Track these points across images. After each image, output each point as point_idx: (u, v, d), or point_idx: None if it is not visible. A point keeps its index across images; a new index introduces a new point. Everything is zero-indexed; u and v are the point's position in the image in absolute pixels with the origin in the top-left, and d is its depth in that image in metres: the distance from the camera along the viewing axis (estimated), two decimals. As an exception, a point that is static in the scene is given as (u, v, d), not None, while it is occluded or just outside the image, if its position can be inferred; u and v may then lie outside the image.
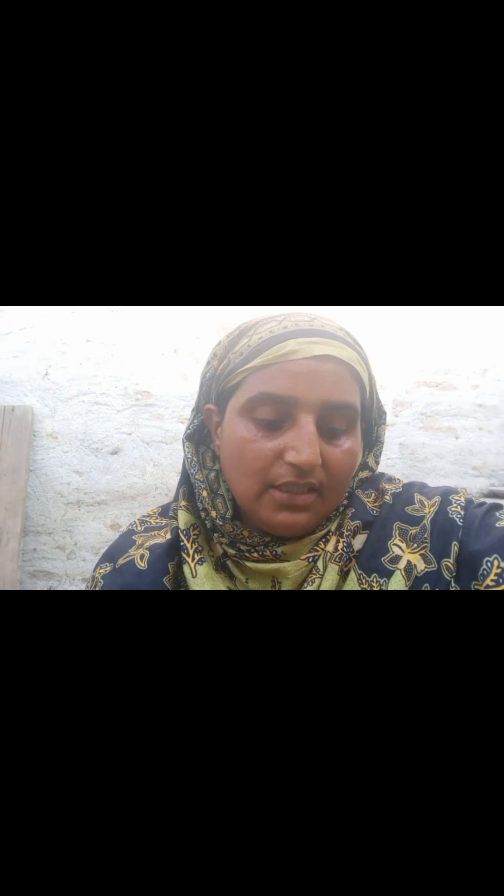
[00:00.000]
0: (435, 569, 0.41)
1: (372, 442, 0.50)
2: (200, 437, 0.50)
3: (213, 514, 0.45)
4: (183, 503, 0.47)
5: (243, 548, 0.43)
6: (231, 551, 0.44)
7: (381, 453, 0.49)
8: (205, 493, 0.46)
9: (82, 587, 1.72)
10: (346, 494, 0.46)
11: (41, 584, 1.74)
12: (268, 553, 0.43)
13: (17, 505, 1.66)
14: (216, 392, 0.46)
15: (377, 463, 0.49)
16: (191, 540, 0.46)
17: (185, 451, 0.49)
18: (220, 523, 0.44)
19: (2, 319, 1.79)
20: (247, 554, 0.43)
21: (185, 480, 0.49)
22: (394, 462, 1.90)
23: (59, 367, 1.78)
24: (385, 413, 0.49)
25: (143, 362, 1.81)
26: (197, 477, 0.47)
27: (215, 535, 0.46)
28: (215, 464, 0.49)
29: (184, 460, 0.49)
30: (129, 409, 1.80)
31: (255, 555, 0.43)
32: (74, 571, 1.74)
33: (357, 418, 0.42)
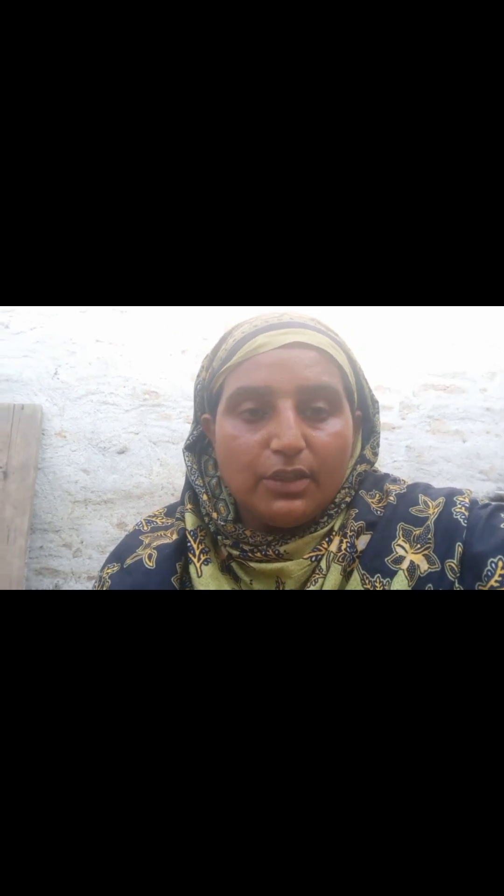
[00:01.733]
0: (438, 570, 0.41)
1: (368, 433, 0.50)
2: (202, 446, 0.51)
3: (215, 516, 0.45)
4: (189, 506, 0.48)
5: (246, 548, 0.44)
6: (235, 552, 0.45)
7: (378, 444, 0.49)
8: (205, 498, 0.46)
9: (88, 585, 1.72)
10: (348, 491, 0.46)
11: (47, 582, 1.75)
12: (270, 552, 0.43)
13: (25, 503, 1.67)
14: (207, 401, 0.47)
15: (375, 455, 0.49)
16: (197, 541, 0.46)
17: (185, 461, 0.50)
18: (222, 524, 0.45)
19: (12, 319, 1.80)
20: (250, 554, 0.44)
21: (189, 486, 0.50)
22: (400, 465, 1.89)
23: (68, 366, 1.80)
24: (377, 401, 0.49)
25: (152, 362, 1.82)
26: (197, 483, 0.48)
27: (219, 537, 0.46)
28: (217, 470, 0.49)
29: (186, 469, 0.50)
30: (136, 409, 1.81)
31: (259, 555, 0.43)
32: (80, 569, 1.75)
33: (340, 399, 0.42)
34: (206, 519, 0.47)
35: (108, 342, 1.82)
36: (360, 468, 0.48)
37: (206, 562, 0.45)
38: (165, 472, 1.79)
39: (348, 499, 0.46)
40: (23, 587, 1.64)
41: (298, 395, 0.40)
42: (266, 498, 0.41)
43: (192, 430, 0.51)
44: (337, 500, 0.45)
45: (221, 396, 0.44)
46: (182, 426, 1.81)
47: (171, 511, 0.53)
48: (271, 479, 0.40)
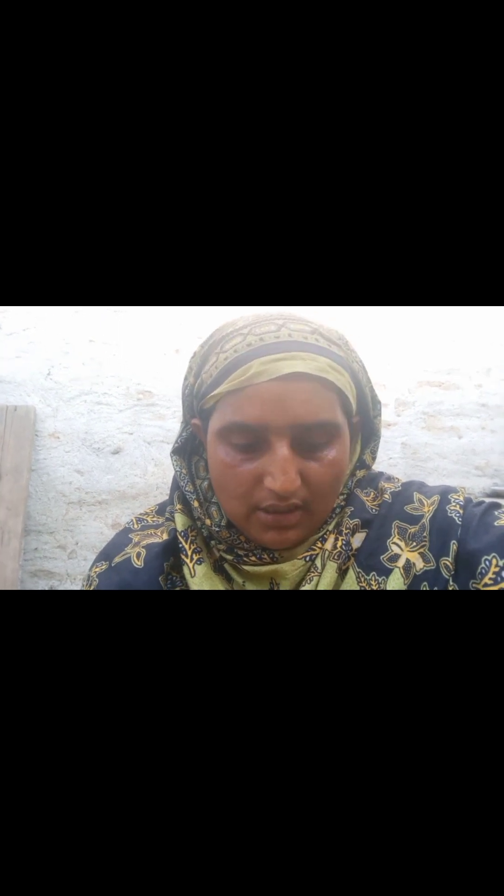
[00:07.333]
0: (433, 567, 0.41)
1: (369, 435, 0.49)
2: (192, 447, 0.50)
3: (208, 522, 0.45)
4: (178, 506, 0.47)
5: (241, 552, 0.43)
6: (228, 557, 0.44)
7: (377, 448, 0.48)
8: (196, 504, 0.45)
9: (84, 587, 1.72)
10: (344, 495, 0.46)
11: (42, 584, 1.74)
12: (265, 556, 0.43)
13: (18, 504, 1.67)
14: (197, 409, 0.45)
15: (374, 459, 0.48)
16: (189, 541, 0.45)
17: (174, 465, 0.48)
18: (216, 530, 0.44)
19: (5, 319, 1.79)
20: (245, 558, 0.43)
21: (178, 486, 0.48)
22: (396, 462, 1.90)
23: (61, 366, 1.79)
24: (380, 402, 0.47)
25: (145, 362, 1.82)
26: (187, 489, 0.46)
27: (212, 541, 0.45)
28: (209, 473, 0.48)
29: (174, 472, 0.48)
30: (130, 409, 1.80)
31: (253, 558, 0.43)
32: (75, 571, 1.74)
33: (337, 428, 0.40)
34: (199, 523, 0.46)
35: (102, 342, 1.81)
36: (359, 473, 0.47)
37: (199, 561, 0.45)
38: (160, 472, 1.78)
39: (343, 502, 0.46)
40: (17, 589, 1.63)
41: (294, 431, 0.38)
42: (258, 528, 0.40)
43: (181, 431, 0.49)
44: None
45: (213, 416, 0.42)
46: (177, 426, 1.81)
47: (162, 509, 0.52)
48: (265, 510, 0.39)
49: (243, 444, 0.39)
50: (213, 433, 0.41)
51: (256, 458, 0.39)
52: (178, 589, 0.46)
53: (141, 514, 0.53)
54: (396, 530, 0.44)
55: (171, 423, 1.81)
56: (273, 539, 0.40)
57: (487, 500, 0.45)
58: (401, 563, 0.42)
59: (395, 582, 0.41)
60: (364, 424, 0.48)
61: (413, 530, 0.43)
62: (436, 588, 0.41)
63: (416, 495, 0.46)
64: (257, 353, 0.38)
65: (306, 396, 0.38)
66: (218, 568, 0.46)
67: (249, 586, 0.44)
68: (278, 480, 0.37)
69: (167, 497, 0.52)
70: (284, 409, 0.37)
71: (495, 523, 0.41)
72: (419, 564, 0.41)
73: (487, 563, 0.39)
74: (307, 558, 0.43)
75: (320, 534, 0.44)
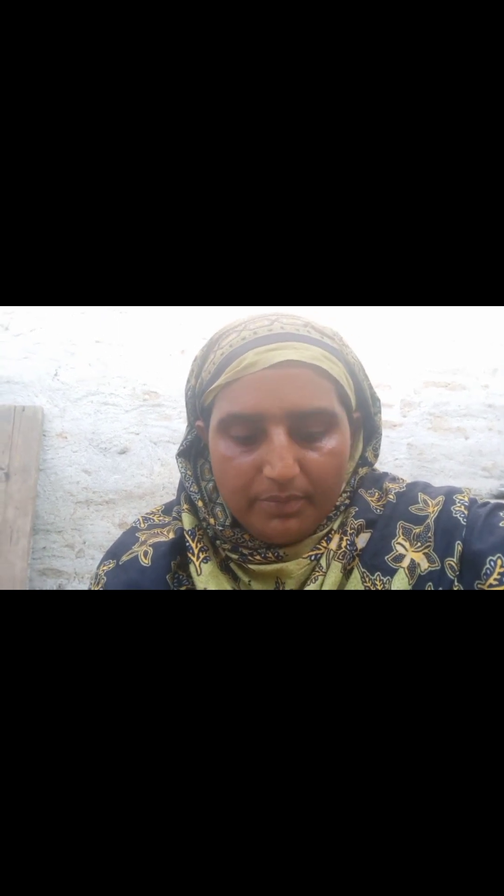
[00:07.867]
0: (438, 568, 0.41)
1: (370, 432, 0.49)
2: (197, 449, 0.51)
3: (212, 521, 0.45)
4: (185, 506, 0.48)
5: (245, 551, 0.44)
6: (234, 556, 0.44)
7: (379, 446, 0.48)
8: (200, 504, 0.46)
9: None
10: (348, 494, 0.46)
11: (50, 582, 1.75)
12: (270, 555, 0.43)
13: (27, 504, 1.68)
14: (200, 410, 0.46)
15: (376, 456, 0.48)
16: (196, 540, 0.46)
17: (179, 467, 0.49)
18: (221, 529, 0.44)
19: (11, 321, 1.81)
20: (249, 557, 0.43)
21: (184, 488, 0.49)
22: (402, 463, 1.89)
23: (68, 367, 1.80)
24: (379, 399, 0.48)
25: (151, 363, 1.82)
26: (192, 490, 0.47)
27: (217, 541, 0.46)
28: (213, 475, 0.49)
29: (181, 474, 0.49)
30: (137, 410, 1.81)
31: (258, 557, 0.43)
32: (83, 570, 1.75)
33: (334, 417, 0.40)
34: (204, 523, 0.47)
35: (108, 343, 1.82)
36: (362, 471, 0.47)
37: (206, 560, 0.45)
38: (166, 472, 1.79)
39: (347, 501, 0.46)
40: (26, 588, 1.64)
41: (290, 419, 0.39)
42: (261, 518, 0.41)
43: (186, 434, 0.50)
44: (336, 503, 0.45)
45: (213, 412, 0.42)
46: (182, 426, 1.81)
47: (168, 509, 0.53)
48: (265, 500, 0.40)
49: (242, 437, 0.40)
50: (214, 428, 0.42)
51: (255, 449, 0.40)
52: (184, 587, 0.46)
53: (147, 513, 0.53)
54: (401, 530, 0.44)
55: (176, 424, 1.81)
56: (276, 529, 0.40)
57: (493, 501, 0.45)
58: (405, 563, 0.42)
59: (400, 582, 0.41)
60: (365, 421, 0.48)
61: (418, 531, 0.43)
62: (440, 588, 0.41)
63: (421, 496, 0.46)
64: (251, 345, 0.39)
65: (300, 383, 0.39)
66: (224, 567, 0.46)
67: (255, 585, 0.44)
68: (276, 467, 0.38)
69: (173, 497, 0.52)
70: (279, 396, 0.38)
71: (500, 524, 0.41)
72: (424, 565, 0.42)
73: (492, 563, 0.39)
74: (312, 557, 0.43)
75: (324, 532, 0.44)
